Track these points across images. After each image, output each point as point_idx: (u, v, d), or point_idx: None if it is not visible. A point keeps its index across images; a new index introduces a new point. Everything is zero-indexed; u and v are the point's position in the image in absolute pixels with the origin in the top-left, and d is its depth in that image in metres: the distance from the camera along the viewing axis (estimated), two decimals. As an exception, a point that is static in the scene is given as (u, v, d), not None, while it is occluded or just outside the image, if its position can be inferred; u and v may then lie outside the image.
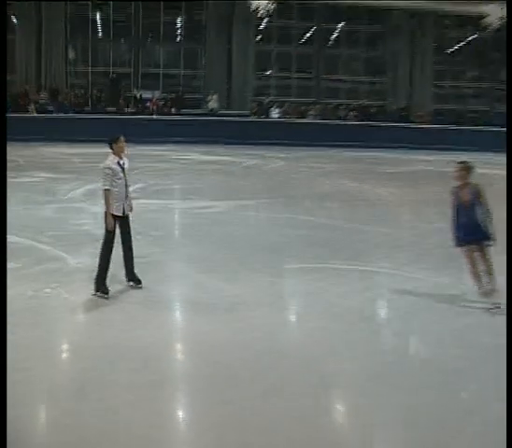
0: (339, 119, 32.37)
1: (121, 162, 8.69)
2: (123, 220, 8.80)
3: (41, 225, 12.49)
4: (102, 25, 33.76)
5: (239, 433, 5.45)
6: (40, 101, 30.55)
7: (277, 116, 32.06)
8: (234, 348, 7.19)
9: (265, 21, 33.31)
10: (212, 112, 31.40)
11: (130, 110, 31.06)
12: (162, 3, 33.01)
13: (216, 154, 25.09)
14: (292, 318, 8.58)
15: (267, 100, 32.93)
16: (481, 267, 8.76)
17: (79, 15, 33.02)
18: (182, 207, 15.54)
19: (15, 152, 23.29)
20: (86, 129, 27.53)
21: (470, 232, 8.78)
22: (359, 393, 6.33)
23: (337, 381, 6.58)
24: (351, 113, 32.86)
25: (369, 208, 15.97)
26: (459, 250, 8.87)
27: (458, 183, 8.89)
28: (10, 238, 11.41)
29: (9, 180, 17.99)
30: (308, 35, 34.93)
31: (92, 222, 12.87)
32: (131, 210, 8.88)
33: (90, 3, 32.67)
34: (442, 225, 13.68)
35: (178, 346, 7.48)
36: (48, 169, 19.99)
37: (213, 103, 31.71)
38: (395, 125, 31.51)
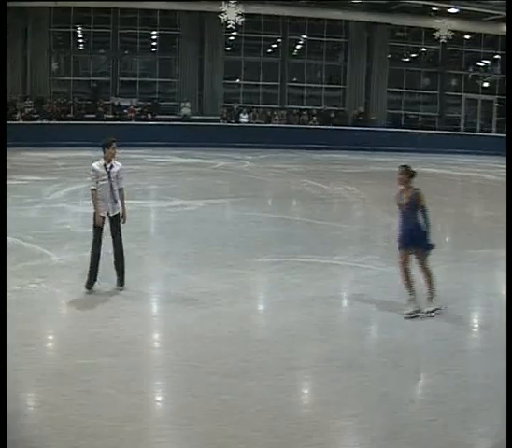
0: (302, 123, 32.56)
1: (108, 166, 8.64)
2: (112, 222, 8.77)
3: (26, 224, 12.48)
4: (82, 38, 33.62)
5: (208, 413, 5.59)
6: (26, 109, 30.40)
7: (245, 121, 32.17)
8: (203, 334, 7.32)
9: (234, 33, 33.34)
10: (185, 118, 31.42)
11: (108, 116, 30.99)
12: (138, 16, 32.93)
13: (189, 156, 25.16)
14: (257, 306, 8.73)
15: (236, 106, 32.99)
16: (421, 273, 8.22)
17: (62, 28, 32.85)
18: (158, 206, 15.62)
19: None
20: (68, 135, 27.48)
21: (407, 237, 8.23)
22: (316, 373, 6.50)
23: (298, 363, 6.74)
24: (313, 118, 33.04)
25: (327, 205, 16.15)
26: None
27: (400, 187, 8.42)
28: (10, 240, 11.47)
29: (1, 183, 18.05)
30: (274, 45, 34.99)
31: (73, 221, 12.96)
32: (122, 214, 8.79)
33: (71, 17, 32.50)
34: (390, 220, 14.00)
35: (153, 334, 7.61)
36: (32, 172, 19.96)
37: (186, 109, 31.74)
38: (353, 129, 31.75)
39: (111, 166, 8.69)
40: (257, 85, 34.74)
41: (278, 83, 34.79)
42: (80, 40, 33.65)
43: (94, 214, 8.70)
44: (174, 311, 8.09)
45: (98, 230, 8.73)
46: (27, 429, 5.31)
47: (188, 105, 31.80)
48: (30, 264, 9.83)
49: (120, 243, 8.86)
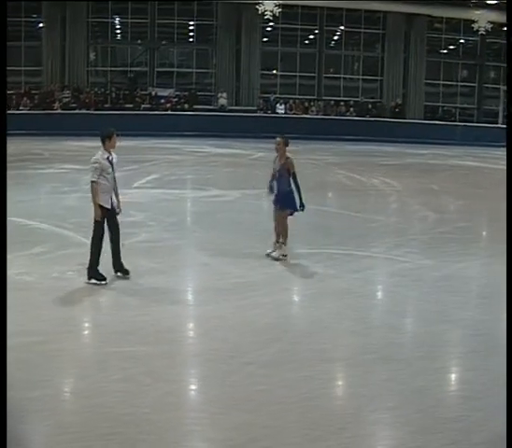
0: (339, 114, 32.38)
1: (111, 158, 8.53)
2: (111, 214, 8.61)
3: (64, 212, 12.59)
4: (120, 28, 33.77)
5: (243, 403, 5.59)
6: (64, 99, 30.62)
7: (282, 112, 32.07)
8: (239, 324, 7.32)
9: (272, 23, 33.23)
10: (222, 108, 31.43)
11: (146, 107, 31.12)
12: (176, 7, 32.97)
13: (226, 147, 25.14)
14: (293, 297, 8.72)
15: (273, 97, 32.91)
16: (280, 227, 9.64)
17: (100, 18, 33.02)
18: (194, 196, 15.64)
19: (41, 146, 23.48)
20: (106, 124, 27.58)
21: (279, 198, 9.57)
22: (352, 365, 6.47)
23: (334, 355, 6.71)
24: (350, 109, 32.85)
25: (363, 197, 16.07)
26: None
27: (276, 154, 9.63)
28: (37, 225, 11.60)
29: (37, 171, 18.24)
30: (311, 36, 34.83)
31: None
32: (119, 209, 8.67)
33: (109, 7, 32.66)
34: (427, 213, 13.91)
35: (189, 323, 7.63)
36: (71, 161, 20.10)
37: (223, 100, 31.73)
38: (391, 121, 31.53)
39: (112, 158, 8.59)
40: (294, 76, 34.63)
41: (315, 74, 34.65)
42: (118, 30, 33.81)
43: (95, 207, 8.49)
44: (210, 300, 8.10)
45: (100, 223, 8.53)
46: (66, 415, 5.35)
47: (225, 95, 31.79)
48: (68, 252, 9.90)
49: (118, 234, 8.69)
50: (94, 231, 8.57)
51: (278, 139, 9.62)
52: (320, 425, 5.21)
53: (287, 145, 9.63)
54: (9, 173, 18.36)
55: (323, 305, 8.00)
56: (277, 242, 9.73)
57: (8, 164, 19.49)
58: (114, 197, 8.63)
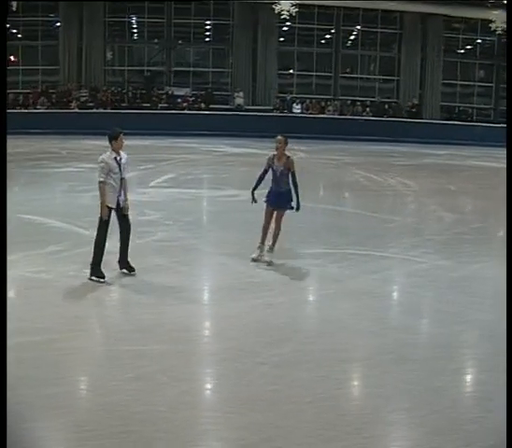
0: (356, 114, 32.29)
1: (118, 158, 8.52)
2: (120, 214, 8.65)
3: (79, 211, 12.60)
4: (137, 28, 33.84)
5: (258, 403, 5.58)
6: (81, 98, 30.73)
7: (298, 111, 32.02)
8: (254, 323, 7.31)
9: (288, 23, 33.19)
10: (238, 108, 31.43)
11: (162, 106, 31.16)
12: (192, 7, 33.01)
13: (242, 146, 25.13)
14: (309, 297, 8.69)
15: (289, 96, 32.86)
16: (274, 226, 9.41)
17: (117, 18, 33.12)
18: (211, 195, 15.64)
19: (58, 145, 23.58)
20: (122, 124, 27.67)
21: (276, 198, 9.34)
22: (368, 365, 6.44)
23: (350, 355, 6.69)
24: (367, 109, 32.76)
25: (380, 197, 16.01)
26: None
27: (275, 153, 9.42)
28: (53, 223, 11.64)
29: (53, 170, 18.31)
30: (328, 36, 34.75)
31: (127, 209, 13.04)
32: (126, 208, 8.67)
33: (126, 6, 32.75)
34: (443, 214, 13.85)
35: (204, 322, 7.62)
36: (87, 160, 20.08)
37: (239, 99, 31.72)
38: (407, 121, 31.41)
39: (120, 158, 8.58)
40: (310, 75, 34.57)
41: (332, 74, 34.57)
42: (135, 30, 33.88)
43: (101, 206, 8.49)
44: (225, 300, 8.09)
45: (105, 222, 8.53)
46: (81, 413, 5.36)
47: (241, 94, 31.78)
48: (83, 250, 9.85)
49: (128, 234, 8.73)
50: (98, 229, 8.58)
51: (280, 138, 9.49)
52: (336, 425, 5.19)
53: (287, 143, 9.54)
54: (26, 171, 18.57)
55: (340, 305, 7.97)
56: (262, 243, 9.53)
57: (25, 163, 19.74)
58: (121, 197, 8.62)
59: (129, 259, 8.84)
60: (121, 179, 8.58)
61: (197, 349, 6.75)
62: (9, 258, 9.33)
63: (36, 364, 6.12)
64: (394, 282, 9.40)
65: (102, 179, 8.45)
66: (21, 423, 5.07)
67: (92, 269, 8.54)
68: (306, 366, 6.22)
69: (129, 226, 8.75)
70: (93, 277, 8.51)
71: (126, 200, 8.71)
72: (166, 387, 5.75)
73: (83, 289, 8.35)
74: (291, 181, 9.41)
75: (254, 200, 9.53)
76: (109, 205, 8.52)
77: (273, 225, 9.50)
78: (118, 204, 8.58)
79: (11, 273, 8.76)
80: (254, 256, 9.49)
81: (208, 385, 6.04)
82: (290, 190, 9.42)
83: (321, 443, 4.96)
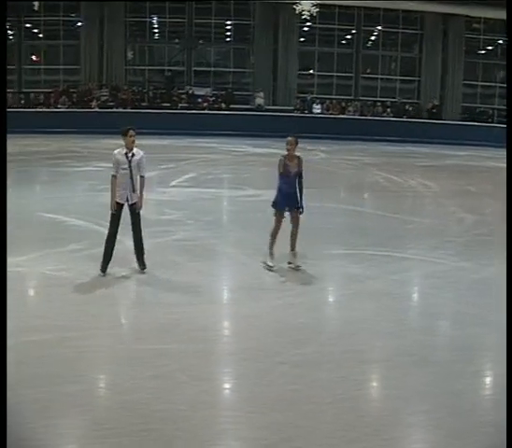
0: (376, 115, 32.19)
1: (129, 154, 8.64)
2: (131, 210, 8.76)
3: (100, 210, 12.62)
4: (158, 27, 33.93)
5: (278, 402, 5.57)
6: (102, 97, 30.84)
7: (318, 112, 31.95)
8: (274, 323, 7.31)
9: (309, 23, 33.14)
10: (259, 108, 31.41)
11: (183, 105, 31.22)
12: (213, 6, 33.05)
13: (263, 146, 25.07)
14: (329, 298, 8.68)
15: (310, 97, 32.80)
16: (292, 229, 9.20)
17: (137, 18, 33.23)
18: (231, 195, 15.64)
19: (79, 144, 23.67)
20: (143, 123, 27.74)
21: (288, 199, 9.13)
22: (387, 367, 6.42)
23: (370, 356, 6.68)
24: (387, 110, 32.65)
25: (400, 198, 15.95)
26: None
27: (287, 154, 9.11)
28: (74, 222, 11.69)
29: (74, 169, 18.39)
30: (348, 36, 34.66)
31: (146, 208, 13.03)
32: (139, 205, 8.75)
33: (147, 6, 32.84)
34: (463, 215, 13.77)
35: (224, 322, 7.63)
36: (107, 159, 20.00)
37: (260, 99, 31.70)
38: (428, 122, 31.26)
39: (132, 155, 8.67)
40: (331, 76, 34.49)
41: (352, 74, 34.48)
42: (156, 30, 33.95)
43: (111, 199, 8.71)
44: (245, 299, 8.10)
45: (114, 217, 8.71)
46: (101, 411, 5.38)
47: (262, 95, 31.76)
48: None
49: (140, 231, 8.84)
50: (109, 225, 8.80)
51: (290, 139, 9.19)
52: (355, 426, 5.18)
53: (297, 144, 9.29)
54: (47, 170, 18.67)
55: (360, 306, 7.96)
56: (272, 249, 9.29)
57: (46, 162, 19.85)
58: (131, 194, 8.70)
59: (144, 257, 8.95)
60: (132, 176, 8.66)
61: (217, 348, 6.77)
62: (30, 255, 9.48)
63: (56, 361, 6.16)
64: (414, 283, 9.37)
65: (113, 173, 8.72)
66: (40, 420, 5.10)
67: (102, 263, 8.75)
68: (326, 366, 6.22)
69: (138, 222, 8.83)
70: (100, 272, 8.73)
71: (141, 198, 8.78)
72: (186, 386, 5.76)
73: (103, 288, 8.39)
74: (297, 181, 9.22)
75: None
76: (118, 200, 8.68)
77: (287, 228, 9.34)
78: (127, 201, 8.71)
79: (31, 271, 8.88)
80: (271, 264, 9.20)
81: (228, 385, 6.05)
82: (299, 190, 9.23)
83: (342, 444, 4.95)
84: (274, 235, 9.31)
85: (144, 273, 8.88)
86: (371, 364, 6.50)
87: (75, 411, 5.34)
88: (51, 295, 8.08)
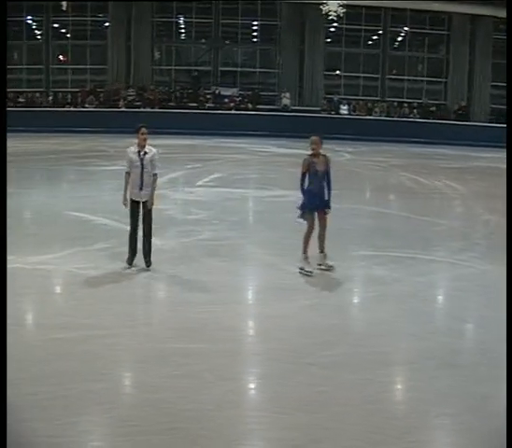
0: (403, 116, 32.06)
1: (142, 153, 8.74)
2: (143, 206, 8.84)
3: (128, 209, 12.71)
4: (184, 28, 34.04)
5: (305, 403, 5.57)
6: (129, 97, 31.01)
7: (345, 112, 31.89)
8: (301, 324, 7.31)
9: (335, 24, 33.09)
10: (285, 108, 31.41)
11: (209, 105, 31.30)
12: (239, 7, 33.10)
13: (289, 147, 25.03)
14: (356, 300, 8.66)
15: (336, 98, 32.74)
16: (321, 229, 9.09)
17: (164, 18, 33.37)
18: (258, 195, 15.64)
19: (106, 143, 23.79)
20: (169, 123, 27.91)
21: (316, 199, 8.98)
22: (413, 369, 6.40)
23: (396, 358, 6.65)
24: (414, 111, 32.51)
25: (426, 200, 15.87)
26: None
27: (312, 152, 9.02)
28: (101, 220, 11.76)
29: (101, 168, 18.49)
30: (375, 37, 34.57)
31: (174, 208, 13.14)
32: (151, 203, 8.82)
33: (174, 7, 32.97)
34: (490, 217, 13.68)
35: (251, 322, 7.64)
36: (134, 159, 20.27)
37: (286, 100, 31.70)
38: (455, 123, 31.08)
39: (144, 153, 8.75)
40: (357, 77, 34.40)
41: (379, 75, 34.37)
42: (182, 30, 34.07)
43: (123, 196, 8.89)
44: (272, 300, 8.10)
45: (132, 214, 8.89)
46: (127, 408, 5.41)
47: (288, 95, 31.76)
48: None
49: (149, 228, 8.90)
50: (130, 221, 8.96)
51: (314, 138, 9.05)
52: (383, 428, 5.16)
53: (322, 143, 9.11)
54: (74, 169, 18.80)
55: (386, 308, 7.93)
56: (305, 253, 9.10)
57: (74, 161, 19.97)
58: (137, 191, 8.79)
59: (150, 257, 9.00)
60: (142, 174, 8.73)
61: (243, 348, 6.78)
62: (57, 254, 9.57)
63: (83, 359, 6.20)
64: (440, 286, 9.33)
65: (126, 170, 8.89)
66: (67, 417, 5.13)
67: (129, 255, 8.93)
68: (354, 368, 6.21)
69: (149, 220, 8.90)
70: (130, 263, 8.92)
71: (153, 195, 8.86)
72: (212, 386, 5.78)
73: (131, 286, 8.45)
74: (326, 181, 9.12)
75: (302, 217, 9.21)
76: (133, 198, 8.82)
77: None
78: (137, 197, 8.82)
79: (59, 269, 8.96)
80: (309, 269, 8.99)
81: (254, 385, 6.06)
82: (327, 188, 9.13)
83: (368, 447, 4.94)
84: (307, 239, 9.11)
85: (148, 270, 8.90)
86: (397, 366, 6.49)
87: (101, 408, 5.37)
88: (78, 293, 8.14)
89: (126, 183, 8.87)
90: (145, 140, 8.78)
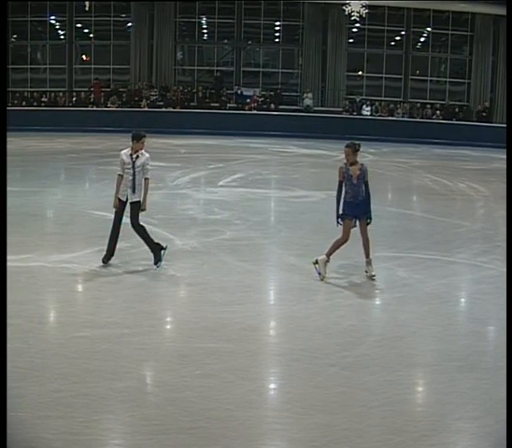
0: (425, 117, 31.94)
1: (134, 156, 8.94)
2: (130, 208, 9.02)
3: (150, 209, 12.71)
4: (207, 28, 34.12)
5: (325, 404, 5.58)
6: (151, 97, 31.14)
7: (367, 113, 31.82)
8: (323, 325, 7.31)
9: (358, 24, 33.04)
10: (307, 109, 31.41)
11: (231, 106, 31.36)
12: (262, 7, 33.13)
13: (311, 148, 25.05)
14: (378, 301, 8.64)
15: (359, 98, 32.69)
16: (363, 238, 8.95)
17: (187, 18, 33.48)
18: (280, 196, 15.64)
19: (128, 143, 23.83)
20: (192, 123, 28.03)
21: (355, 207, 8.85)
22: (435, 371, 6.38)
23: (418, 360, 6.64)
24: (437, 112, 32.37)
25: (449, 202, 15.80)
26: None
27: (347, 161, 8.93)
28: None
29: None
30: (398, 38, 34.47)
31: (196, 207, 13.20)
32: (142, 203, 9.01)
33: (196, 7, 33.06)
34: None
35: (273, 322, 7.65)
36: (157, 158, 20.21)
37: (308, 100, 31.70)
38: (478, 124, 30.91)
39: (137, 157, 8.95)
40: (380, 77, 34.32)
41: (402, 76, 34.26)
42: (205, 30, 34.16)
43: (114, 197, 9.04)
44: (294, 300, 8.10)
45: (116, 212, 9.08)
46: (149, 407, 5.44)
47: (310, 96, 31.76)
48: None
49: (138, 230, 9.14)
50: (113, 218, 9.16)
51: (347, 149, 8.95)
52: (403, 431, 5.15)
53: (357, 150, 8.94)
54: (96, 168, 18.90)
55: (408, 310, 7.92)
56: (329, 255, 8.93)
57: (96, 160, 20.07)
58: (129, 192, 8.95)
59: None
60: (134, 177, 8.91)
61: (265, 349, 6.79)
62: (80, 252, 9.64)
63: (106, 358, 6.24)
64: (463, 288, 9.29)
65: (119, 173, 9.07)
66: (90, 415, 5.17)
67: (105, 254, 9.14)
68: (375, 369, 6.20)
69: (135, 223, 9.12)
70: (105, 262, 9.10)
71: (145, 199, 9.05)
72: (234, 386, 5.79)
73: (152, 286, 8.49)
74: (364, 190, 8.92)
75: (340, 222, 8.95)
76: (119, 197, 9.00)
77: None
78: (126, 199, 8.99)
79: (81, 268, 9.01)
80: (323, 273, 8.86)
81: (276, 385, 6.06)
82: (366, 198, 8.93)
83: (389, 448, 4.94)
84: (339, 245, 8.93)
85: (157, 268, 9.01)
86: (418, 368, 6.47)
87: (123, 407, 5.40)
88: (101, 292, 8.19)
89: (118, 185, 9.05)
90: (141, 148, 9.03)
